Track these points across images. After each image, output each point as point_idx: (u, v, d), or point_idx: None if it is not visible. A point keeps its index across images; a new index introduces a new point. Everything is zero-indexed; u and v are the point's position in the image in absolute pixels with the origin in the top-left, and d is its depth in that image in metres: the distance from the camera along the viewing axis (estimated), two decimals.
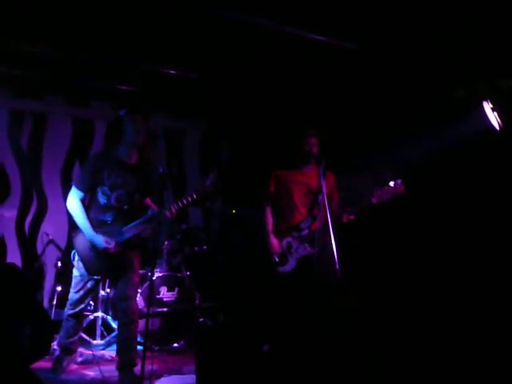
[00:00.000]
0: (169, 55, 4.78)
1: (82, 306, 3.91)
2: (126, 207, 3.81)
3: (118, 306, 3.83)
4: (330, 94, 4.99)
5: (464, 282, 3.90)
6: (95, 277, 3.84)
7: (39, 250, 5.45)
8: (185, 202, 3.81)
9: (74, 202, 3.79)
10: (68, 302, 3.90)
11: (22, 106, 5.76)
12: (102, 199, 3.78)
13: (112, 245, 3.71)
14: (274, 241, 4.20)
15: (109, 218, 3.80)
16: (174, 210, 3.76)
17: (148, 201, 3.97)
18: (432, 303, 3.97)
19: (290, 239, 4.18)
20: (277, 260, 4.15)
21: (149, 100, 5.82)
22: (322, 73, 4.81)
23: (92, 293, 3.98)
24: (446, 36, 3.87)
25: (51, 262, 5.25)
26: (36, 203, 5.78)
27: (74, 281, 3.88)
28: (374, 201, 3.92)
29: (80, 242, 3.78)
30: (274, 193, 4.35)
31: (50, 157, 5.86)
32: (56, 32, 4.27)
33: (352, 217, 3.98)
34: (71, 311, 3.89)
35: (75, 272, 3.87)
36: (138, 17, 4.01)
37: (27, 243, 5.67)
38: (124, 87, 5.56)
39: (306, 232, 4.13)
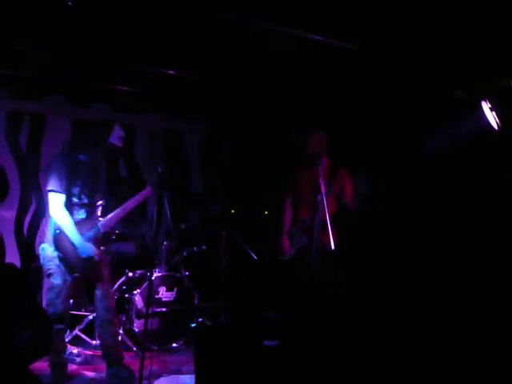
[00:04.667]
0: (169, 56, 4.78)
1: (68, 314, 3.83)
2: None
3: (99, 304, 3.78)
4: (331, 94, 4.99)
5: (461, 282, 3.91)
6: (75, 274, 3.69)
7: (38, 250, 5.42)
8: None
9: (59, 210, 3.60)
10: (54, 317, 3.57)
11: (20, 106, 5.75)
12: (74, 199, 3.75)
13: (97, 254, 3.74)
14: (286, 242, 4.33)
15: (82, 215, 3.81)
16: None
17: None
18: (431, 301, 3.98)
19: (294, 230, 4.33)
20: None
21: (149, 101, 5.80)
22: (323, 74, 4.81)
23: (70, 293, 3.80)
24: (444, 37, 3.88)
25: None
26: (35, 204, 5.77)
27: (55, 290, 3.65)
28: None
29: (65, 240, 3.66)
30: (293, 190, 4.47)
31: (49, 157, 5.83)
32: (56, 33, 4.26)
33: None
34: (61, 325, 3.68)
35: (57, 280, 3.66)
36: (138, 18, 4.01)
37: (26, 243, 5.65)
38: (124, 88, 5.56)
39: (306, 224, 4.20)
